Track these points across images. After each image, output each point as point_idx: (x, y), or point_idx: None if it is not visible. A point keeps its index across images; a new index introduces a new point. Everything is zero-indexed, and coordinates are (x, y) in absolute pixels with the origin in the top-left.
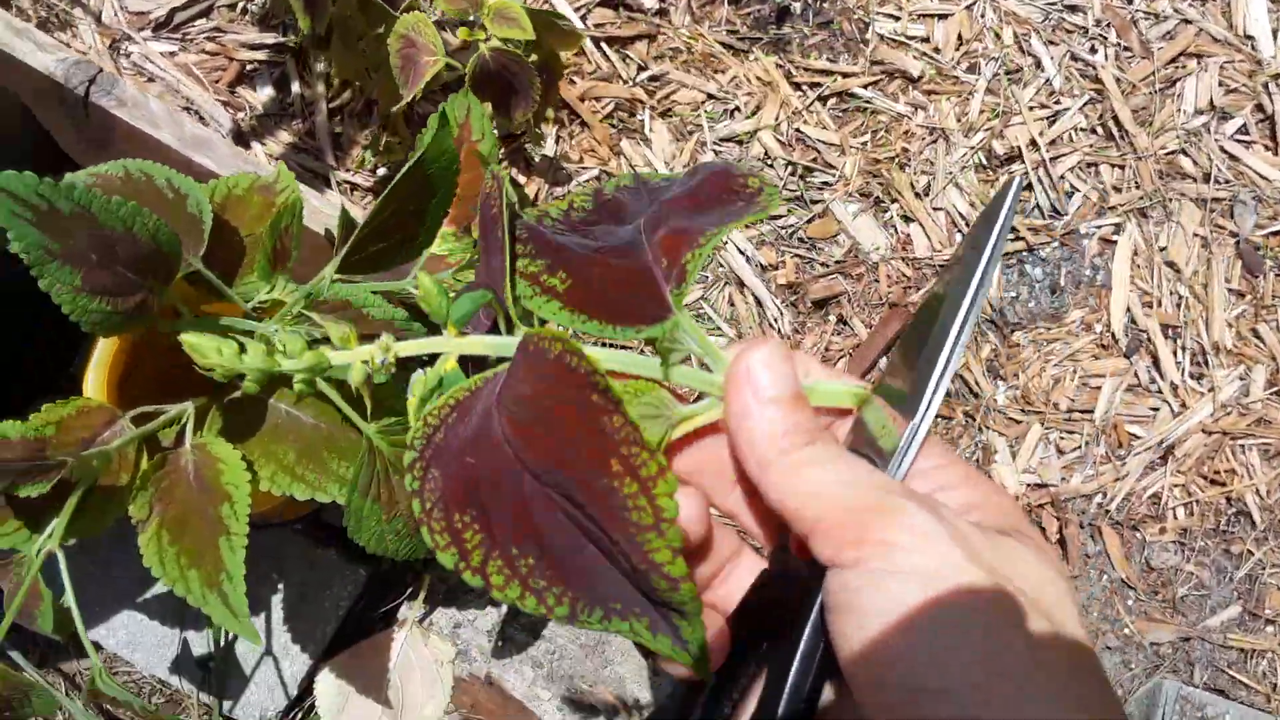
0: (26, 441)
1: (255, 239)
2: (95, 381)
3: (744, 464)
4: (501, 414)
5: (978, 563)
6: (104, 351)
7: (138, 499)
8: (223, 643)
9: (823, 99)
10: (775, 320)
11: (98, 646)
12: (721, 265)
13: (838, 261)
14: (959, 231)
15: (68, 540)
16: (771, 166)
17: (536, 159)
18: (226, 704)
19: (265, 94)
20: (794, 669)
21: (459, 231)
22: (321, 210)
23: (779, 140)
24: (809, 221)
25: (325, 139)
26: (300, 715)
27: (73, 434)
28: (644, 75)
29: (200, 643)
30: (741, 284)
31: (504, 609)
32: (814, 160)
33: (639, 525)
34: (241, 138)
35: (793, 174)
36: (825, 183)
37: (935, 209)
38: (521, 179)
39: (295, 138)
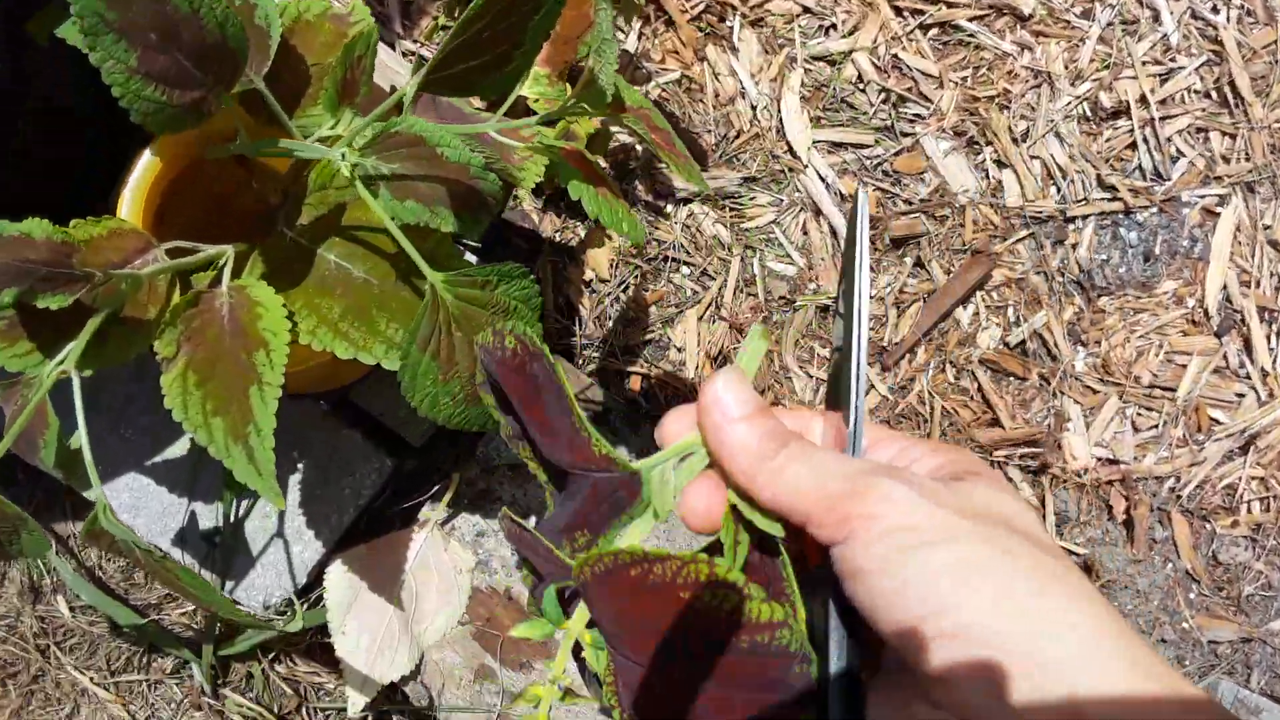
0: (52, 244)
1: (322, 69)
2: (131, 204)
3: (735, 480)
4: None
5: (948, 506)
6: (144, 174)
7: (165, 334)
8: (232, 517)
9: (924, 27)
10: None
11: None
12: (799, 190)
13: (922, 200)
14: (1054, 184)
15: (85, 370)
16: (863, 92)
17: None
18: (229, 584)
19: None
20: (832, 654)
21: (553, 75)
22: (389, 65)
23: (874, 64)
24: (896, 154)
25: (395, 5)
26: (306, 605)
27: (102, 254)
28: None
29: (209, 516)
30: (818, 211)
31: (531, 522)
32: (909, 90)
33: None
34: None
35: (885, 101)
36: (918, 115)
37: (1032, 157)
38: None
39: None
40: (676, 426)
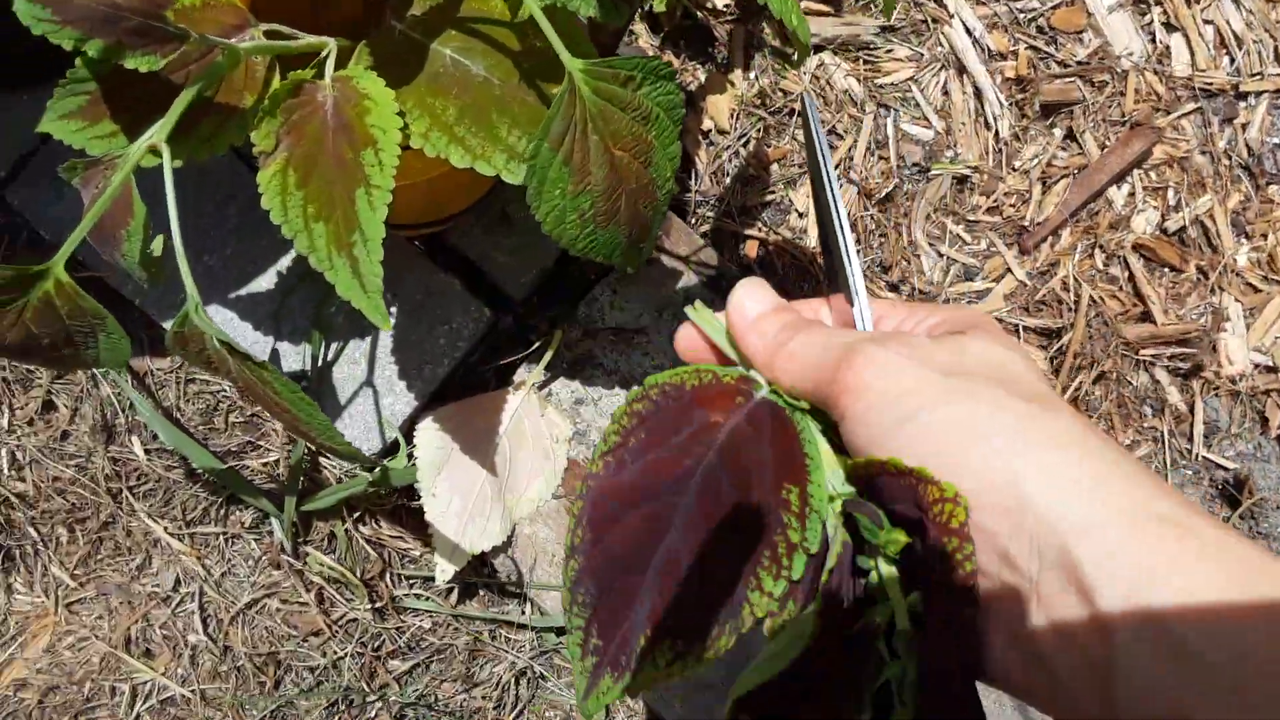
0: None
1: None
2: None
3: (766, 374)
4: None
5: (933, 366)
6: None
7: (264, 125)
8: (320, 361)
9: None
10: (993, 120)
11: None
12: (941, 44)
13: (1080, 63)
14: (1228, 54)
15: (176, 158)
16: None
17: None
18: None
19: None
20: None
21: None
22: None
23: None
24: (1054, 8)
25: None
26: (393, 460)
27: (195, 24)
28: None
29: (294, 358)
30: (962, 69)
31: (631, 390)
32: None
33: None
34: None
35: None
36: None
37: (1205, 21)
38: None
39: None
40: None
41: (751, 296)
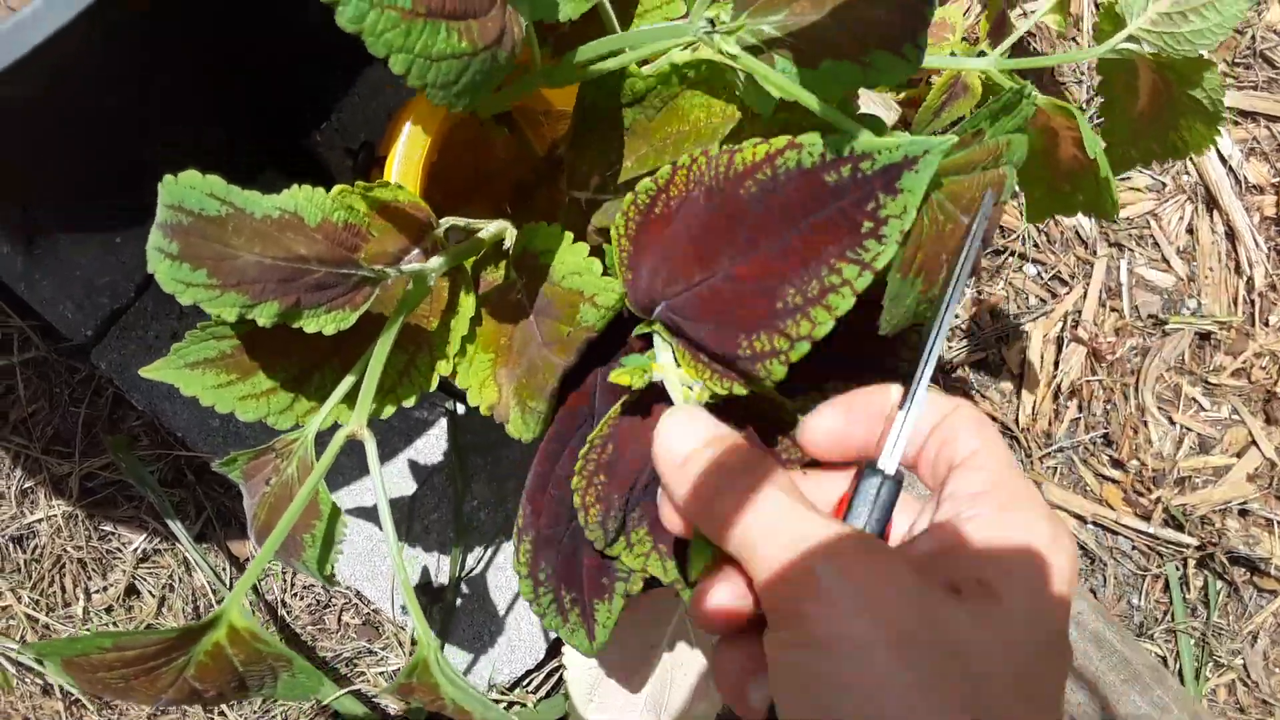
0: (331, 229)
1: None
2: (405, 168)
3: (701, 528)
4: None
5: (893, 631)
6: (413, 136)
7: (475, 363)
8: (460, 570)
9: None
10: (1247, 265)
11: None
12: (1188, 172)
13: None
14: None
15: (378, 415)
16: None
17: None
18: (447, 650)
19: None
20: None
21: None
22: None
23: None
24: None
25: None
26: (539, 680)
27: (380, 242)
28: None
29: (428, 563)
30: (1213, 204)
31: None
32: None
33: None
34: None
35: None
36: None
37: None
38: None
39: None
40: None
41: (677, 427)
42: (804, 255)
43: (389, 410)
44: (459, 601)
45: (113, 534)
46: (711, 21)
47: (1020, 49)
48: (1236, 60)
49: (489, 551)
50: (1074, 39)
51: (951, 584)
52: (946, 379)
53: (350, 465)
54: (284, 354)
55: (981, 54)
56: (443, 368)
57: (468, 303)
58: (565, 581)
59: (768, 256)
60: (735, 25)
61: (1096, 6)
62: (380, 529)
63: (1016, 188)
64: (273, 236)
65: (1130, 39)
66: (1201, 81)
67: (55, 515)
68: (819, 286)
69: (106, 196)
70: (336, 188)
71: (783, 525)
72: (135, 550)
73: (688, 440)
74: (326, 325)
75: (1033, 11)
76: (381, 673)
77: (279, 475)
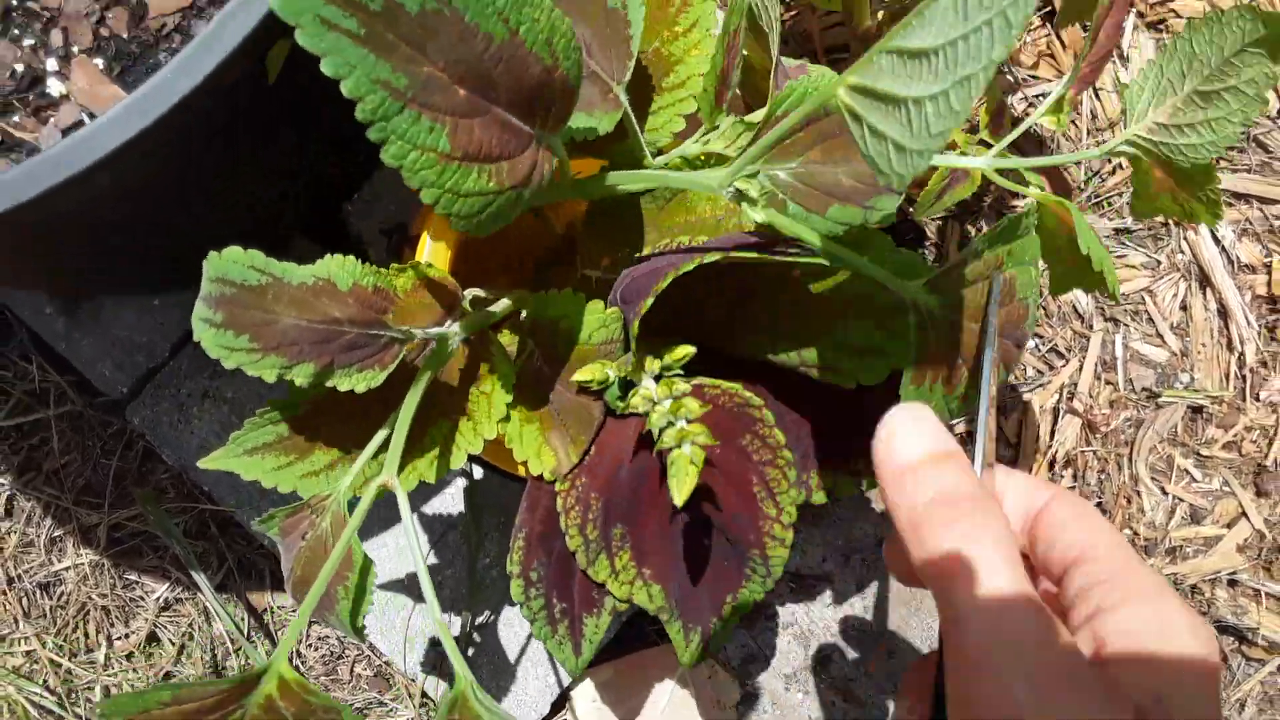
0: (363, 294)
1: (660, 60)
2: (437, 250)
3: (905, 537)
4: None
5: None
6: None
7: (526, 436)
8: (471, 625)
9: None
10: (1239, 342)
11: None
12: (1182, 251)
13: None
14: None
15: (405, 481)
16: (1275, 120)
17: None
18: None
19: None
20: None
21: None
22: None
23: None
24: None
25: None
26: None
27: (410, 312)
28: None
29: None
30: (1206, 282)
31: (813, 649)
32: None
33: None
34: None
35: None
36: None
37: None
38: None
39: None
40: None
41: (904, 429)
42: None
43: (432, 473)
44: (470, 653)
45: (136, 583)
46: (740, 192)
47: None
48: (1231, 145)
49: (500, 607)
50: (1072, 133)
51: (1137, 707)
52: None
53: (367, 523)
54: (336, 434)
55: (982, 143)
56: (474, 443)
57: (503, 380)
58: (558, 590)
59: None
60: (753, 170)
61: (1097, 95)
62: (394, 585)
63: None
64: (309, 302)
65: (1128, 142)
66: (1205, 184)
67: (82, 563)
68: None
69: (148, 268)
70: (373, 266)
71: (990, 608)
72: (158, 599)
73: (912, 447)
74: (358, 383)
75: (1035, 97)
76: None
77: (314, 530)
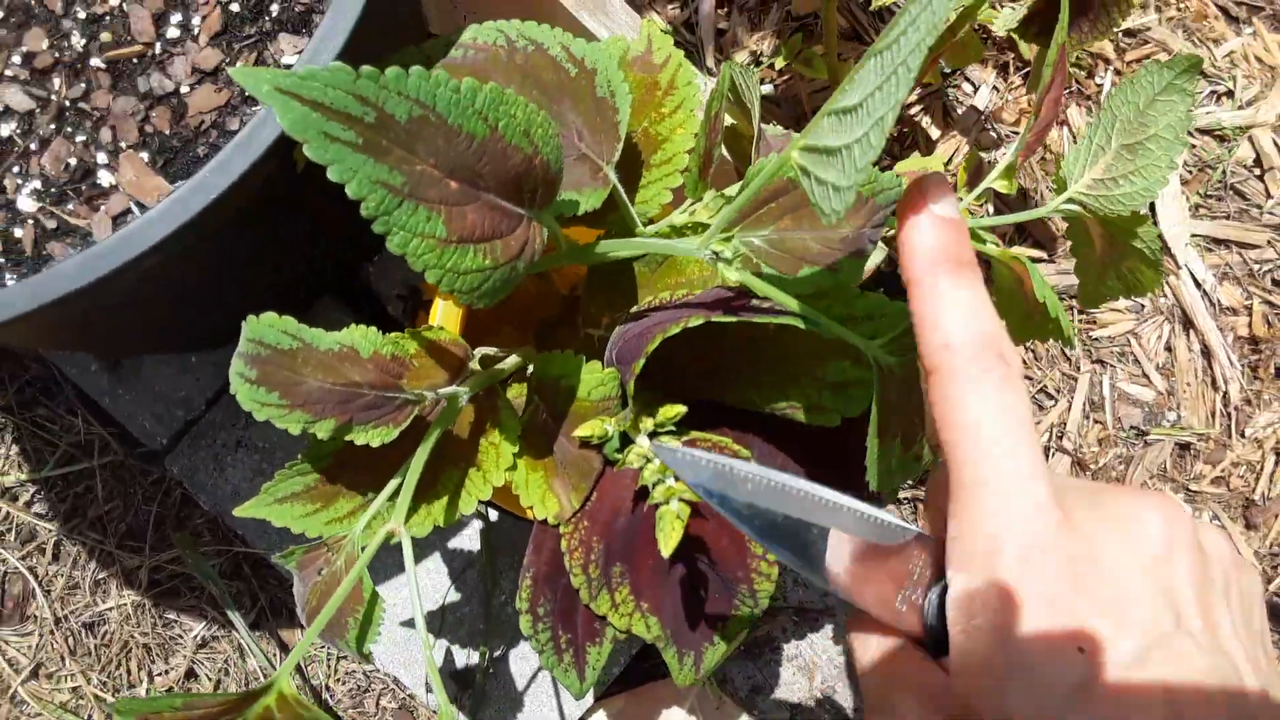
0: (381, 360)
1: (647, 139)
2: (449, 313)
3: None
4: None
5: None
6: None
7: (531, 483)
8: (488, 659)
9: None
10: (1223, 381)
11: None
12: (1165, 296)
13: None
14: None
15: (419, 526)
16: (1260, 179)
17: (961, 109)
18: None
19: None
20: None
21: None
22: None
23: (1278, 146)
24: None
25: (707, 34)
26: None
27: (423, 373)
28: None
29: (458, 652)
30: (1189, 324)
31: (817, 680)
32: None
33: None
34: None
35: None
36: None
37: None
38: (934, 130)
39: (669, 25)
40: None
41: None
42: None
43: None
44: (487, 684)
45: (175, 621)
46: (716, 253)
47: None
48: (1209, 193)
49: (516, 641)
50: (1037, 193)
51: None
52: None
53: (392, 563)
54: (359, 482)
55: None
56: (482, 490)
57: (510, 434)
58: (563, 623)
59: None
60: (729, 235)
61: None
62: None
63: None
64: (333, 366)
65: (1070, 200)
66: (1139, 233)
67: (125, 604)
68: None
69: (186, 332)
70: (392, 335)
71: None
72: (195, 637)
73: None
74: (373, 439)
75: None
76: None
77: (329, 566)
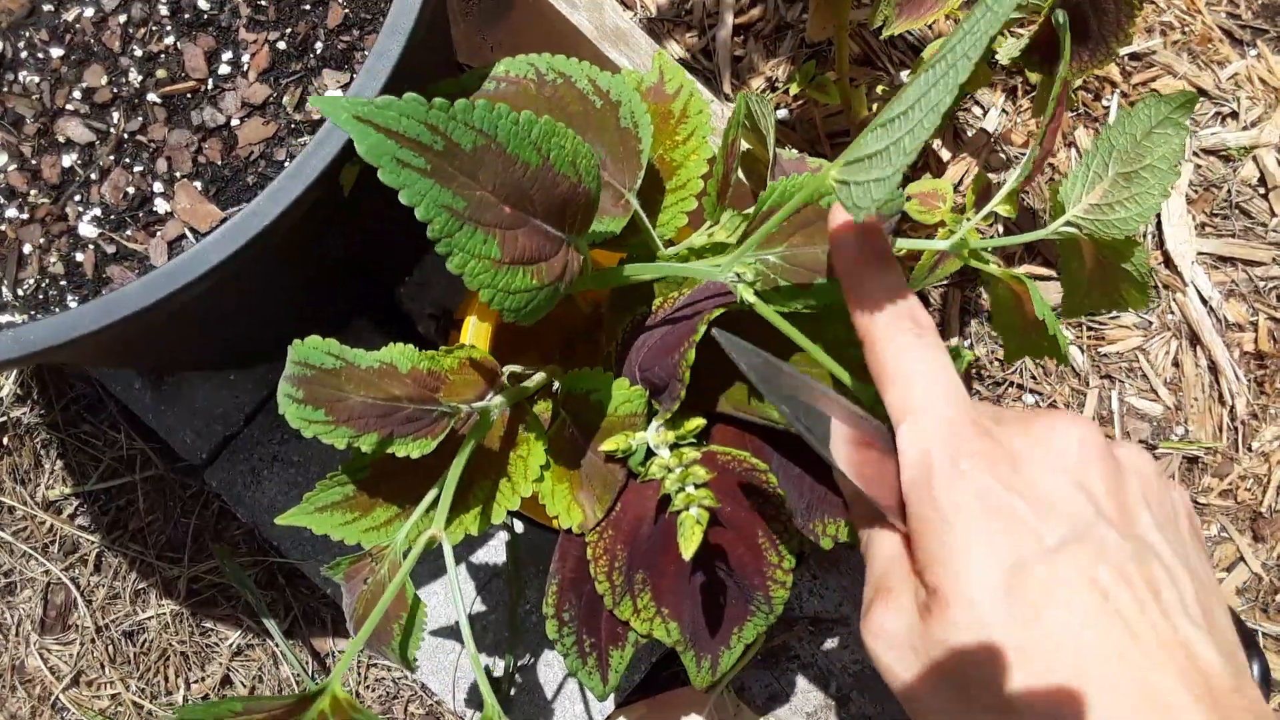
0: (419, 375)
1: (657, 163)
2: (479, 331)
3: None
4: None
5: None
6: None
7: (557, 493)
8: (513, 666)
9: None
10: (1229, 396)
11: None
12: (1172, 312)
13: None
14: None
15: (454, 534)
16: (1264, 198)
17: (971, 132)
18: None
19: None
20: None
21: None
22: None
23: None
24: None
25: (724, 61)
26: None
27: (456, 389)
28: (1125, 50)
29: (487, 660)
30: (1196, 340)
31: (832, 688)
32: None
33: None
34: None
35: None
36: None
37: None
38: (944, 153)
39: (687, 53)
40: None
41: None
42: None
43: (476, 526)
44: (512, 691)
45: (212, 630)
46: (739, 275)
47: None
48: (1215, 211)
49: (540, 649)
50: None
51: None
52: None
53: (423, 573)
54: (395, 493)
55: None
56: (511, 500)
57: (537, 445)
58: (587, 628)
59: None
60: (749, 260)
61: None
62: (443, 631)
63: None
64: (374, 382)
65: (1068, 223)
66: (1131, 257)
67: (164, 613)
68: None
69: (228, 351)
70: (427, 351)
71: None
72: (231, 645)
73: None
74: (413, 450)
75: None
76: None
77: (374, 575)
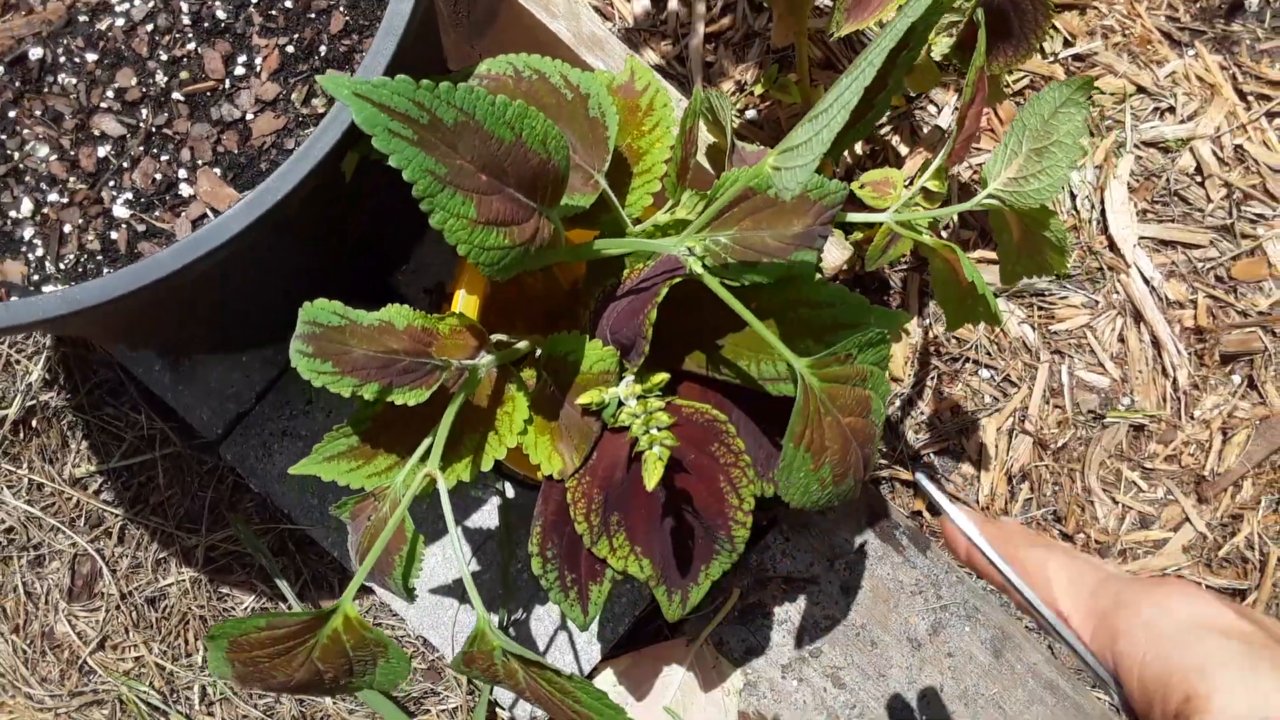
0: (414, 331)
1: (631, 152)
2: (468, 302)
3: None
4: None
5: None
6: (476, 275)
7: (539, 444)
8: (506, 620)
9: (1273, 115)
10: (1171, 368)
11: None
12: (1117, 292)
13: (1261, 313)
14: None
15: (448, 480)
16: (1201, 185)
17: (926, 129)
18: (498, 690)
19: (641, 6)
20: None
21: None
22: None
23: (1216, 155)
24: (1234, 259)
25: (696, 66)
26: None
27: (448, 350)
28: (1068, 51)
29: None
30: (1139, 317)
31: (806, 643)
32: (1254, 186)
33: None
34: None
35: (1225, 198)
36: (1261, 215)
37: None
38: (903, 148)
39: (662, 60)
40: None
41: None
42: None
43: (468, 472)
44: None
45: (229, 595)
46: (690, 249)
47: (966, 190)
48: (1155, 199)
49: (531, 606)
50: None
51: None
52: (917, 465)
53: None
54: (393, 443)
55: (915, 205)
56: (499, 450)
57: (521, 401)
58: (569, 564)
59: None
60: (700, 238)
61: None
62: (442, 590)
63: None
64: (375, 337)
65: (991, 195)
66: (1049, 225)
67: (184, 580)
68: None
69: (238, 330)
70: (420, 311)
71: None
72: (246, 608)
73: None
74: (409, 399)
75: (978, 164)
76: (444, 709)
77: (376, 513)
